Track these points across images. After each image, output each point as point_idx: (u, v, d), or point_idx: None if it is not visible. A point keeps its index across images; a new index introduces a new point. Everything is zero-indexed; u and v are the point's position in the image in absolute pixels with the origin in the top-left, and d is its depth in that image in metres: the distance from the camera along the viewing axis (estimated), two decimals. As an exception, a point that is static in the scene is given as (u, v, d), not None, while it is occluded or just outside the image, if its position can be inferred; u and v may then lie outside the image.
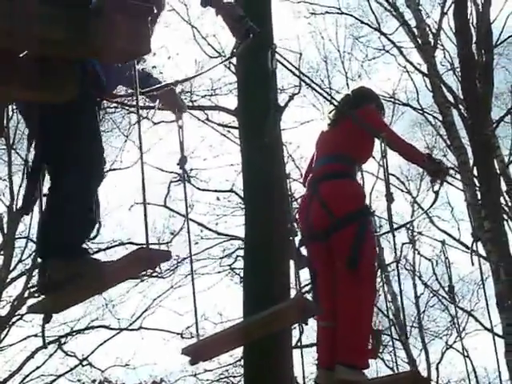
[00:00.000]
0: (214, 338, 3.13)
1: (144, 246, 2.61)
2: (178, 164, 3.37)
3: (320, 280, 4.01)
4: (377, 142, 4.04)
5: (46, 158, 2.98)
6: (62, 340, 14.24)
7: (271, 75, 3.32)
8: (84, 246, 2.97)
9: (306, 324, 2.87)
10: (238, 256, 13.67)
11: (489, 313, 5.75)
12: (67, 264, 2.79)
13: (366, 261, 3.84)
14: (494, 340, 4.68)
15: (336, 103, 4.31)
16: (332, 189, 3.99)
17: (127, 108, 12.98)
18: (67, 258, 2.80)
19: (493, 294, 10.04)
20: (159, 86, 3.34)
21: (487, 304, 5.43)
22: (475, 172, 11.42)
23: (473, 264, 4.22)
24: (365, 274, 3.82)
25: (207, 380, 15.02)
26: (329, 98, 5.27)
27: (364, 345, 3.81)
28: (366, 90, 4.51)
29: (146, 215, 2.68)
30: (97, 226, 2.99)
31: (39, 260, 2.98)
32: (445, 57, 14.24)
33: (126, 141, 13.97)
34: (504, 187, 13.13)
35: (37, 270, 2.96)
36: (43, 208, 2.94)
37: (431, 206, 4.73)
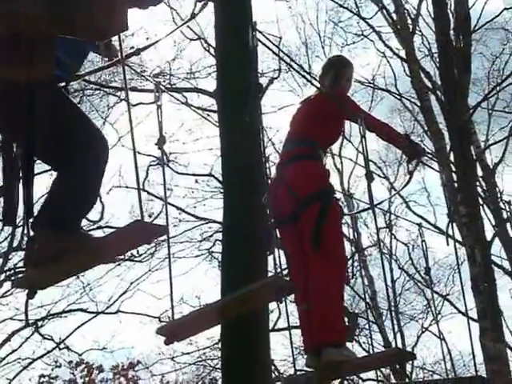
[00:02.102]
0: (190, 318, 3.14)
1: (140, 219, 2.57)
2: (156, 144, 3.35)
3: (293, 263, 4.05)
4: (354, 125, 4.08)
5: (37, 153, 2.82)
6: (39, 323, 14.18)
7: (252, 53, 3.29)
8: (79, 222, 2.90)
9: (281, 302, 2.89)
10: (216, 240, 13.69)
11: (464, 296, 5.80)
12: (57, 238, 2.73)
13: (330, 239, 3.88)
14: (468, 323, 4.74)
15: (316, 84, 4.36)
16: (295, 171, 4.05)
17: (105, 90, 12.89)
18: (58, 232, 2.74)
19: (468, 279, 10.15)
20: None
21: (462, 287, 5.49)
22: (452, 157, 11.51)
23: (448, 244, 4.29)
24: (330, 252, 3.86)
25: (184, 363, 15.09)
26: (309, 78, 5.27)
27: (339, 321, 3.85)
28: (328, 60, 4.59)
29: (139, 188, 2.67)
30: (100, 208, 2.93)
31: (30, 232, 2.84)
32: (423, 42, 14.32)
33: (104, 123, 13.86)
34: (480, 172, 13.27)
35: (25, 244, 2.83)
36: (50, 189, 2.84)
37: (405, 185, 4.80)
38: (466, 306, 5.33)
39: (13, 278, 12.99)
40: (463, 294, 5.57)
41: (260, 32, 3.30)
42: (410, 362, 15.95)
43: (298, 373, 4.44)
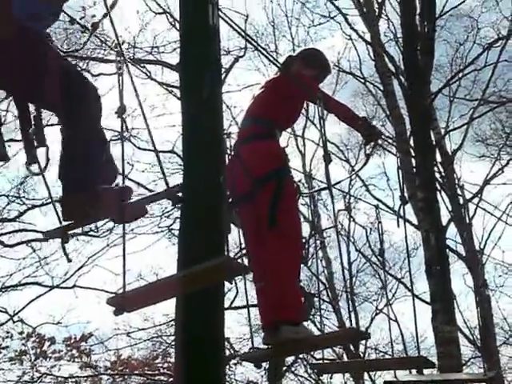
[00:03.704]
0: (141, 290, 3.14)
1: None
2: (116, 112, 3.29)
3: (250, 242, 4.08)
4: (313, 105, 4.09)
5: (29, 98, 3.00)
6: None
7: (212, 30, 3.26)
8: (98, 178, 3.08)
9: (231, 283, 2.91)
10: (176, 218, 13.63)
11: (410, 277, 5.91)
12: (85, 202, 2.95)
13: (286, 219, 3.91)
14: (413, 303, 4.87)
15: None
16: (250, 151, 4.08)
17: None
18: (86, 196, 2.96)
19: (423, 262, 10.29)
20: None
21: (409, 268, 5.60)
22: (412, 142, 11.63)
23: (398, 226, 4.38)
24: (286, 231, 3.89)
25: (140, 339, 15.08)
26: (273, 59, 5.25)
27: (296, 299, 3.88)
28: (315, 54, 4.59)
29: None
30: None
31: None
32: (389, 27, 14.38)
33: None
34: (439, 158, 13.43)
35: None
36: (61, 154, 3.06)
37: (362, 166, 4.86)
38: (412, 285, 5.51)
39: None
40: (410, 275, 5.69)
41: (219, 10, 3.26)
42: (364, 342, 16.21)
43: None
